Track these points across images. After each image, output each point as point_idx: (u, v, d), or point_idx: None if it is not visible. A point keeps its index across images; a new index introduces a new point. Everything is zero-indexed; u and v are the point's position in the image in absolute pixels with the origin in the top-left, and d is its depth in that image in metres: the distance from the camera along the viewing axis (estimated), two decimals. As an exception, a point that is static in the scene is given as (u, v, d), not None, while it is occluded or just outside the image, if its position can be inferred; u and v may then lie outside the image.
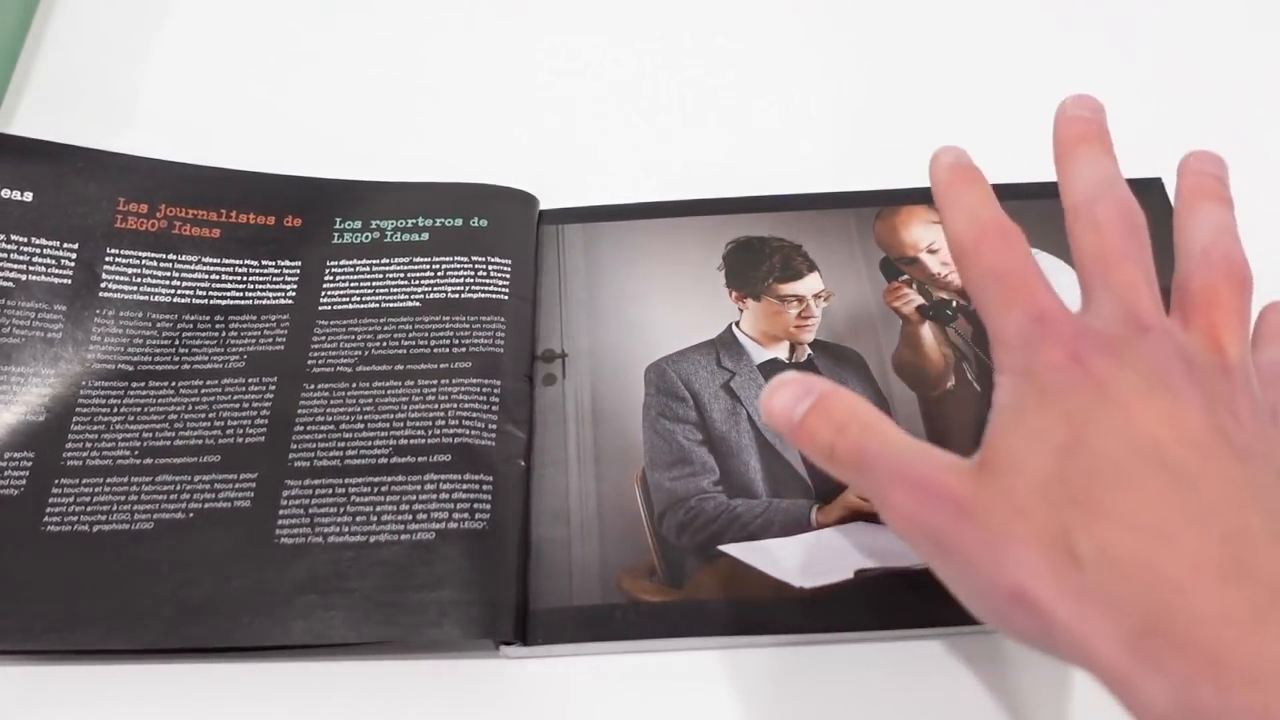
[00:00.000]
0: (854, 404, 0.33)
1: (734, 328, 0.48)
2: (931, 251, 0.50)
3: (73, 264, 0.46)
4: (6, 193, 0.47)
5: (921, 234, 0.51)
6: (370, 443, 0.42)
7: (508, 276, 0.48)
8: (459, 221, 0.49)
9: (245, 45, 0.59)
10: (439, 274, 0.47)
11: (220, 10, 0.61)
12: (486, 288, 0.47)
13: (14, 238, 0.46)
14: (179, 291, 0.47)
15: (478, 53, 0.59)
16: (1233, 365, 0.32)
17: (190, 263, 0.47)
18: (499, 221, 0.50)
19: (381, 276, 0.47)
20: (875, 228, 0.51)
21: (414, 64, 0.59)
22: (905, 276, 0.50)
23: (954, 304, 0.49)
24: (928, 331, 0.48)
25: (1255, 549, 0.27)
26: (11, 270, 0.45)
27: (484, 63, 0.59)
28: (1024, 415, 0.31)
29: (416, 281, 0.47)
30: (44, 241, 0.46)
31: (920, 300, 0.49)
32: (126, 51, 0.58)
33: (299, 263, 0.48)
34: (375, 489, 0.41)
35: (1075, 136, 0.39)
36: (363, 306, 0.47)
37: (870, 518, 0.42)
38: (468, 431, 0.42)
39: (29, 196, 0.47)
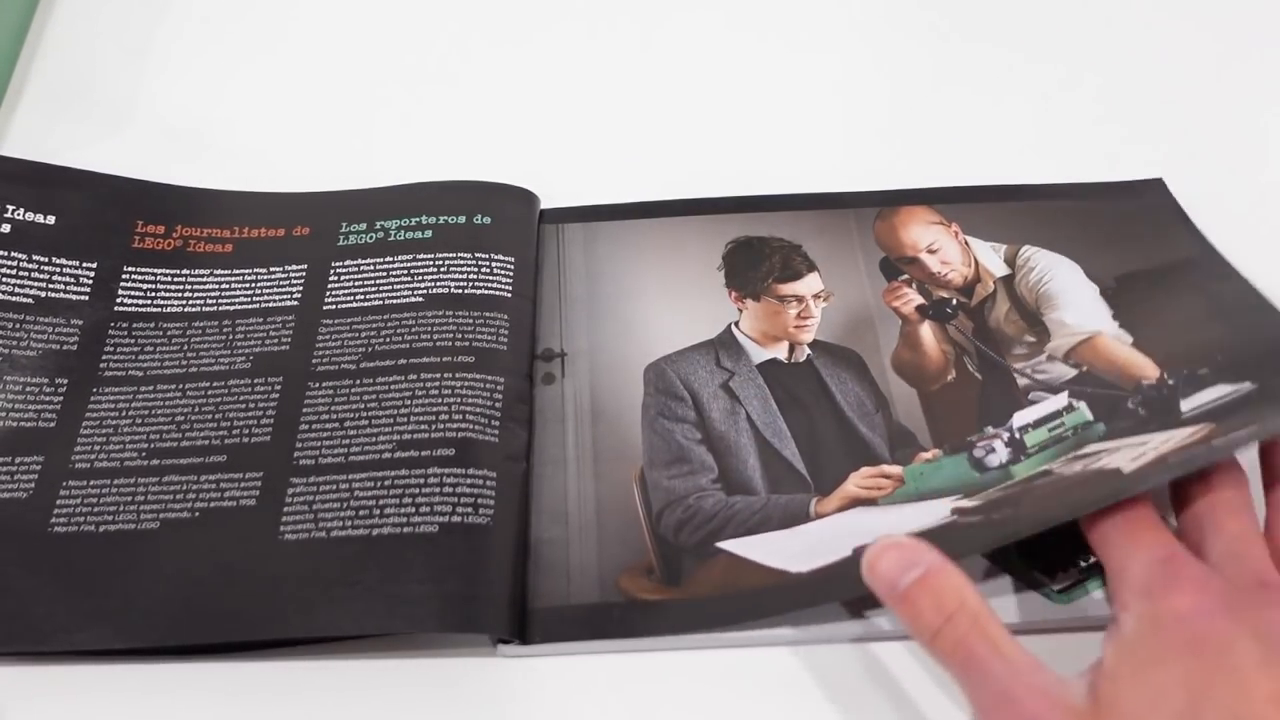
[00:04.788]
0: (962, 588, 0.34)
1: (733, 328, 0.48)
2: (931, 251, 0.50)
3: (90, 281, 0.48)
4: (30, 216, 0.49)
5: (921, 234, 0.51)
6: (374, 438, 0.43)
7: (511, 274, 0.48)
8: (462, 218, 0.50)
9: (245, 46, 0.60)
10: (442, 269, 0.48)
11: (220, 11, 0.61)
12: (490, 284, 0.48)
13: (35, 257, 0.48)
14: (190, 302, 0.48)
15: (478, 52, 0.60)
16: None
17: (202, 275, 0.49)
18: (502, 219, 0.50)
19: (385, 274, 0.48)
20: (875, 228, 0.51)
21: (414, 64, 0.59)
22: (905, 276, 0.50)
23: (953, 302, 0.49)
24: (927, 330, 0.48)
25: None
26: (32, 288, 0.47)
27: (483, 62, 0.59)
28: (1144, 668, 0.32)
29: (420, 277, 0.48)
30: (64, 261, 0.48)
31: (920, 299, 0.49)
32: (126, 52, 0.59)
33: (305, 265, 0.49)
34: (378, 483, 0.42)
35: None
36: (366, 304, 0.47)
37: (868, 504, 0.42)
38: (471, 427, 0.43)
39: (51, 220, 0.49)
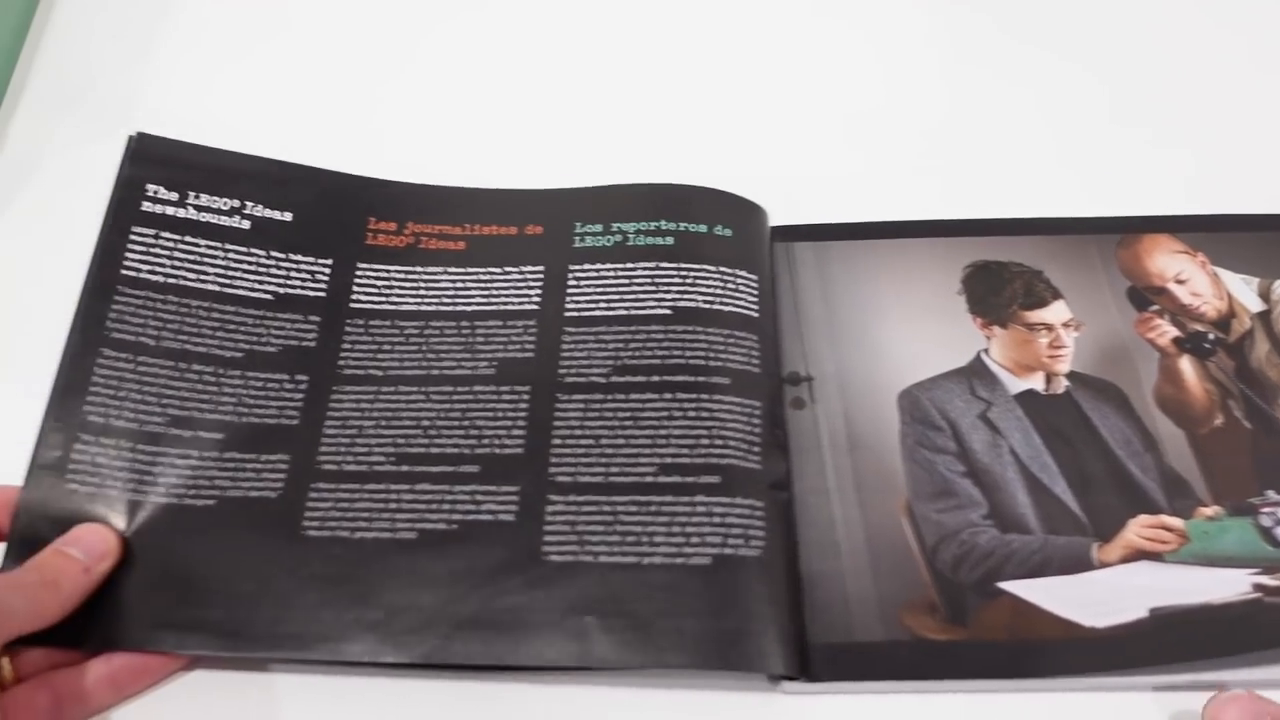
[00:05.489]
0: None
1: (983, 356, 0.46)
2: (1180, 282, 0.48)
3: (327, 278, 0.47)
4: (268, 213, 0.48)
5: (1167, 264, 0.49)
6: (634, 459, 0.41)
7: (756, 292, 0.46)
8: (703, 228, 0.48)
9: (246, 46, 0.58)
10: (688, 282, 0.46)
11: (220, 9, 0.59)
12: (737, 301, 0.46)
13: (273, 254, 0.47)
14: (425, 300, 0.46)
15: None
16: None
17: (435, 273, 0.47)
18: (742, 233, 0.48)
19: (627, 281, 0.46)
20: (1118, 255, 0.49)
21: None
22: (1156, 307, 0.48)
23: (1210, 337, 0.47)
24: (1187, 365, 0.46)
25: None
26: (271, 283, 0.46)
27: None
28: None
29: (665, 288, 0.46)
30: (301, 258, 0.47)
31: (1175, 332, 0.47)
32: (126, 51, 0.57)
33: (541, 267, 0.47)
34: (643, 509, 0.40)
35: None
36: (610, 313, 0.46)
37: (1153, 557, 0.41)
38: (733, 452, 0.41)
39: (288, 216, 0.48)
